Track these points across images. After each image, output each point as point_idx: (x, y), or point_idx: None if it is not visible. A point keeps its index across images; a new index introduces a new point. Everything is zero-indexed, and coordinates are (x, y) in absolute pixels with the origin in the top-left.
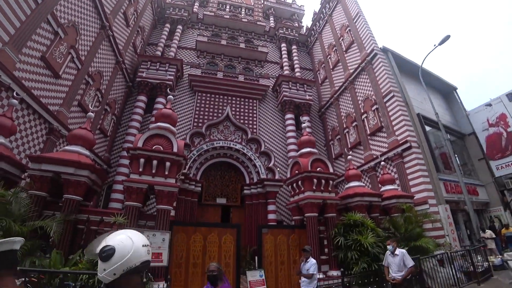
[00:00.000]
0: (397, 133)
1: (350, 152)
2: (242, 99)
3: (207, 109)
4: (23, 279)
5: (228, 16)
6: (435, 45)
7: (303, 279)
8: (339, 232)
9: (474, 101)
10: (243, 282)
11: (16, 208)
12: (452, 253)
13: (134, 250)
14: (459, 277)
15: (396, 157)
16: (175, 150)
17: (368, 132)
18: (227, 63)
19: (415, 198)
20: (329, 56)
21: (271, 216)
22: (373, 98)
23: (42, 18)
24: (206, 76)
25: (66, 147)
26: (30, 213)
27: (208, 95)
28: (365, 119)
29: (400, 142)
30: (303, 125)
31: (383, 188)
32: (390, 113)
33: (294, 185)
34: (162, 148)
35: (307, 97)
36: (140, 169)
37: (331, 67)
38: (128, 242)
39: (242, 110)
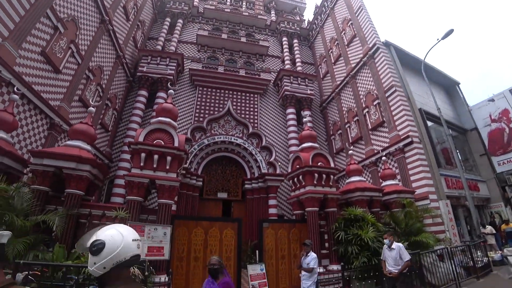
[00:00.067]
0: (398, 128)
1: (351, 147)
2: (243, 94)
3: (208, 104)
4: (27, 272)
5: (229, 10)
6: (438, 39)
7: (303, 273)
8: (340, 226)
9: (477, 97)
10: (244, 276)
11: (19, 202)
12: (452, 248)
13: (124, 244)
14: (458, 272)
15: (397, 152)
16: (176, 144)
17: (370, 127)
18: (228, 57)
19: (416, 193)
20: (330, 50)
21: (272, 211)
22: (375, 92)
23: (41, 13)
24: (207, 70)
25: (68, 142)
26: (33, 207)
27: (209, 89)
28: (366, 114)
29: (402, 137)
30: (304, 119)
31: (384, 183)
32: (392, 108)
33: (295, 179)
34: (163, 143)
35: (309, 92)
36: (142, 164)
37: (333, 62)
38: (118, 237)
39: (243, 104)
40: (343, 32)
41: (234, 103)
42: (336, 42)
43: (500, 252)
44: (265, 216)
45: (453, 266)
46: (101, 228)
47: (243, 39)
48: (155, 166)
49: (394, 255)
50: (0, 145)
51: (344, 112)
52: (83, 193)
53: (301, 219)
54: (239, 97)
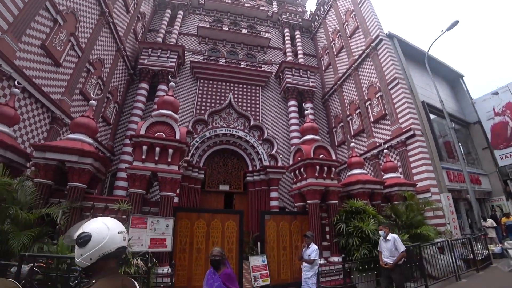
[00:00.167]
0: (401, 120)
1: (353, 140)
2: (245, 86)
3: (209, 96)
4: (32, 264)
5: (229, 1)
6: (442, 30)
7: (304, 264)
8: (341, 218)
9: (481, 90)
10: (246, 267)
11: (22, 196)
12: (452, 241)
13: (109, 236)
14: (458, 265)
15: (399, 145)
16: (177, 137)
17: (372, 120)
18: (229, 49)
19: (417, 186)
20: (333, 42)
21: (273, 203)
22: (377, 85)
23: (40, 5)
24: (208, 62)
25: (70, 136)
26: (37, 200)
27: (210, 82)
28: (368, 107)
29: (404, 130)
30: (306, 112)
31: (385, 176)
32: (395, 101)
33: (297, 172)
34: (164, 135)
35: (310, 84)
36: (143, 157)
37: (335, 53)
38: (104, 229)
39: (244, 97)
40: (346, 23)
41: (236, 96)
42: (339, 33)
43: (500, 245)
44: (266, 208)
45: (453, 258)
46: (87, 221)
47: (245, 31)
48: (157, 158)
49: (390, 246)
50: (2, 139)
51: (346, 104)
52: (85, 186)
53: (303, 211)
54: (240, 89)
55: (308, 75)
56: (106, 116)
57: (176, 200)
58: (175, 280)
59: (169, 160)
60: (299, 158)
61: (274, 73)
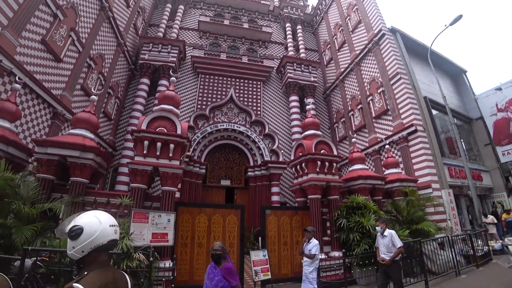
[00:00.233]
0: (402, 116)
1: (355, 135)
2: (246, 81)
3: (210, 91)
4: (35, 258)
5: None
6: (446, 25)
7: (305, 259)
8: (342, 214)
9: (484, 85)
10: (247, 262)
11: (25, 191)
12: (453, 237)
13: (101, 229)
14: (458, 260)
15: (401, 141)
16: (179, 132)
17: (373, 115)
18: (230, 44)
19: (418, 182)
20: (335, 37)
21: (274, 198)
22: (379, 80)
23: (40, 0)
24: (209, 57)
25: (71, 131)
26: (39, 195)
27: (212, 77)
28: (370, 102)
29: (406, 126)
30: (307, 107)
31: (386, 172)
32: (397, 96)
33: (298, 167)
34: (166, 130)
35: (312, 79)
36: (145, 152)
37: (337, 48)
38: (95, 222)
39: (246, 92)
40: (348, 17)
41: (237, 91)
42: (341, 28)
43: (500, 241)
44: (267, 203)
45: (453, 254)
46: (79, 214)
47: (246, 25)
48: (158, 153)
49: (387, 242)
50: (4, 135)
51: (348, 99)
52: (87, 181)
53: (304, 207)
54: (241, 84)
55: (310, 70)
56: (107, 112)
57: (177, 195)
58: (177, 274)
59: (171, 155)
60: (301, 153)
61: (275, 68)
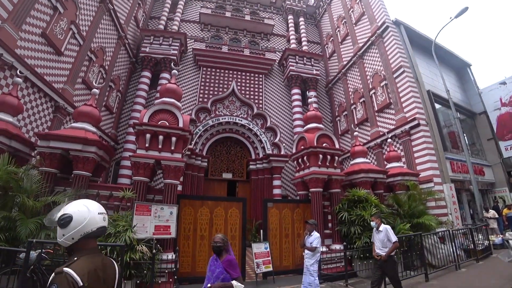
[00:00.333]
0: (405, 110)
1: (357, 129)
2: (248, 74)
3: (212, 84)
4: (40, 250)
5: None
6: (451, 17)
7: (306, 251)
8: (343, 207)
9: (489, 80)
10: (249, 254)
11: (28, 184)
12: (453, 231)
13: (90, 217)
14: (459, 254)
15: (403, 135)
16: (180, 125)
17: (376, 109)
18: (232, 37)
19: (420, 176)
20: (337, 29)
21: (276, 191)
22: (382, 73)
23: None
24: (210, 50)
25: (73, 124)
26: (42, 189)
27: (213, 69)
28: (373, 95)
29: (408, 120)
30: (309, 100)
31: (388, 165)
32: (400, 89)
33: (300, 160)
34: (167, 123)
35: (314, 72)
36: (147, 145)
37: (340, 41)
38: (84, 210)
39: (247, 85)
40: (351, 9)
41: (239, 84)
42: (344, 20)
43: (501, 236)
44: (269, 196)
45: (454, 248)
46: (68, 203)
47: (248, 17)
48: (160, 146)
49: (382, 237)
50: (7, 129)
51: (350, 93)
52: (90, 174)
53: (305, 200)
54: (243, 77)
55: (312, 63)
56: (109, 105)
57: (179, 188)
58: (179, 266)
59: (173, 148)
60: (302, 147)
61: (277, 61)
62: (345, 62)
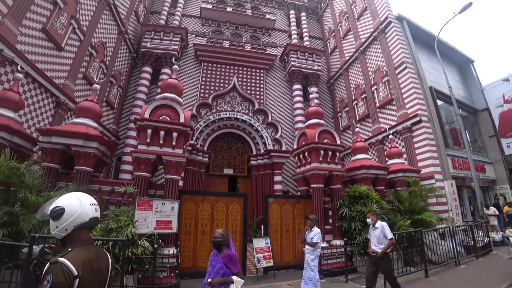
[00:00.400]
0: (407, 106)
1: (358, 125)
2: (249, 69)
3: (213, 80)
4: (43, 245)
5: None
6: (454, 13)
7: (307, 247)
8: (344, 203)
9: (491, 76)
10: (250, 249)
11: (30, 179)
12: (454, 228)
13: (82, 208)
14: (459, 251)
15: (404, 131)
16: (182, 120)
17: (378, 105)
18: (233, 32)
19: (421, 172)
20: (340, 24)
21: (277, 187)
22: (384, 69)
23: None
24: (211, 45)
25: (74, 120)
26: (44, 184)
27: (214, 65)
28: (375, 91)
29: (410, 116)
30: (311, 96)
31: (389, 162)
32: (402, 85)
33: (301, 156)
34: (169, 119)
35: (316, 67)
36: (148, 140)
37: (342, 36)
38: (76, 202)
39: (249, 80)
40: (354, 4)
41: (240, 79)
42: (346, 15)
43: (501, 233)
44: (270, 192)
45: (454, 244)
46: (59, 197)
47: (249, 12)
48: (161, 142)
49: (378, 234)
50: (9, 124)
51: (352, 89)
52: (91, 170)
53: (306, 195)
54: (244, 72)
55: (314, 58)
56: (110, 100)
57: (181, 183)
58: (181, 261)
59: (174, 143)
60: (304, 142)
61: (279, 56)
62: (347, 58)
